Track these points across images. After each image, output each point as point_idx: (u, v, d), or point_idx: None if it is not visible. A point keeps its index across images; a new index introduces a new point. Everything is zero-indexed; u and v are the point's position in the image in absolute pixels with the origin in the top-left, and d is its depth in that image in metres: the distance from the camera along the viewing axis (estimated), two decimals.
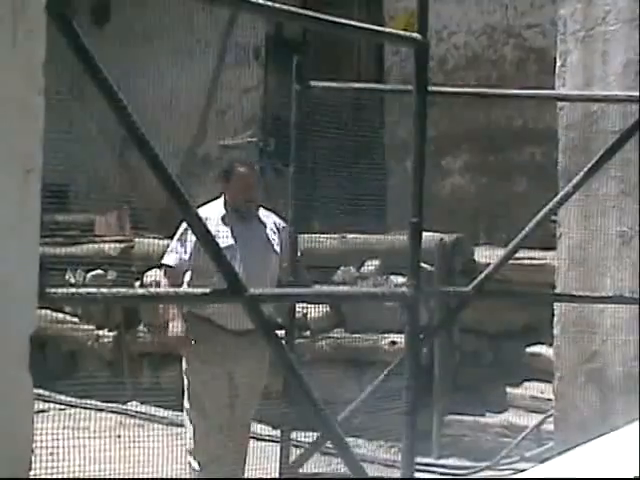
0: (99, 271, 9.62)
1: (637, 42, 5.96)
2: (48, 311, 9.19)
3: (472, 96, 7.03)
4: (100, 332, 9.60)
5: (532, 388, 7.81)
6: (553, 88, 6.42)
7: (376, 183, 8.61)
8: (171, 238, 6.12)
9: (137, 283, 9.11)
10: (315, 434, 5.12)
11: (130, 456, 6.70)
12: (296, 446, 5.81)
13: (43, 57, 1.79)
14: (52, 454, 6.06)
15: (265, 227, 6.12)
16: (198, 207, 5.78)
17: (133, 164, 9.91)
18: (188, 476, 6.02)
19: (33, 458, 1.83)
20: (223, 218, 6.01)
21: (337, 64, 10.62)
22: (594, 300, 5.99)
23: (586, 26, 6.25)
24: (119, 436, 7.61)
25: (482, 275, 4.73)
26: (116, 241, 9.82)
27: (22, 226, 1.77)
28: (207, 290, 3.15)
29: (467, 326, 7.99)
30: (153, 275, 8.76)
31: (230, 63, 11.54)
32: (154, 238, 9.20)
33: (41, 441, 5.76)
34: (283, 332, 5.75)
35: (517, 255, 5.18)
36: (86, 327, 9.69)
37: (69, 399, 9.08)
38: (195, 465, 5.91)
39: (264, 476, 6.57)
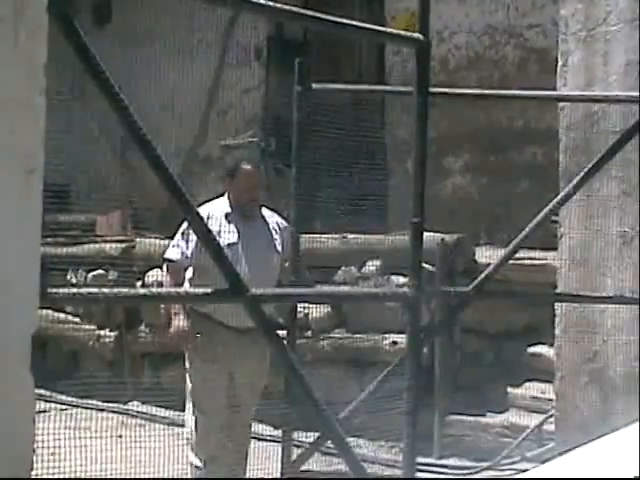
0: (100, 271, 9.62)
1: (638, 42, 5.96)
2: (49, 311, 9.20)
3: (473, 97, 7.04)
4: (101, 332, 9.60)
5: (533, 388, 7.81)
6: (554, 88, 6.42)
7: (377, 183, 8.61)
8: (172, 238, 6.13)
9: (138, 283, 9.11)
10: (317, 434, 5.12)
11: (131, 456, 6.70)
12: (297, 446, 5.82)
13: (45, 57, 1.79)
14: (53, 454, 6.06)
15: (268, 226, 6.13)
16: (200, 205, 5.81)
17: (134, 164, 9.91)
18: (189, 476, 6.03)
19: (34, 458, 1.84)
20: (227, 216, 6.02)
21: (338, 64, 10.63)
22: (595, 300, 5.99)
23: (587, 26, 6.25)
24: (120, 436, 7.61)
25: (482, 275, 4.73)
26: (117, 241, 9.82)
27: (23, 226, 1.77)
28: (208, 290, 3.15)
29: (468, 326, 7.99)
30: (154, 275, 8.77)
31: (231, 63, 11.54)
32: (155, 238, 9.20)
33: (42, 441, 5.75)
34: (284, 332, 5.75)
35: (518, 255, 5.19)
36: (87, 327, 9.69)
37: (70, 399, 9.07)
38: (197, 462, 5.91)
39: (266, 476, 6.57)
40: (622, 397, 5.95)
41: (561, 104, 6.40)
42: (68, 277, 9.67)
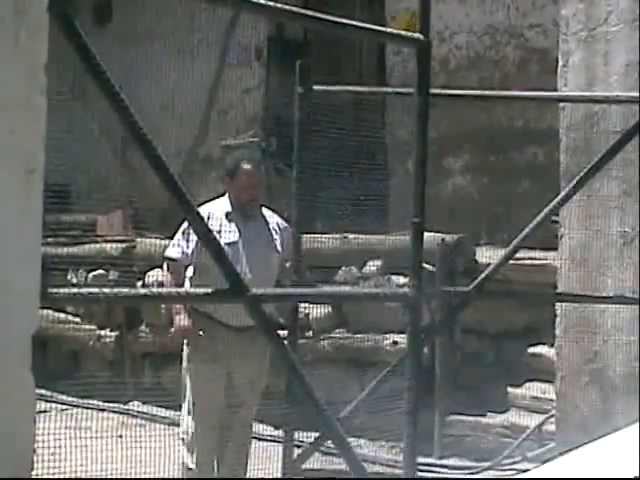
0: (101, 271, 9.62)
1: (638, 43, 5.96)
2: (50, 311, 9.20)
3: (474, 98, 7.04)
4: (102, 332, 9.60)
5: (533, 388, 7.80)
6: (555, 88, 6.42)
7: (378, 183, 8.61)
8: (172, 238, 6.13)
9: (139, 283, 9.11)
10: (317, 434, 5.12)
11: (132, 456, 6.70)
12: (298, 446, 5.81)
13: (45, 57, 1.79)
14: (54, 454, 6.05)
15: (268, 226, 6.14)
16: (201, 205, 5.81)
17: (135, 164, 9.91)
18: (181, 475, 6.03)
19: (35, 458, 1.84)
20: (227, 215, 6.03)
21: (338, 64, 10.64)
22: (595, 300, 5.99)
23: (588, 26, 6.25)
24: (121, 436, 7.61)
25: (483, 275, 4.73)
26: (118, 241, 9.82)
27: (24, 226, 1.77)
28: (209, 290, 3.15)
29: (468, 326, 7.99)
30: (155, 275, 8.77)
31: (232, 63, 11.54)
32: (156, 238, 9.20)
33: (43, 441, 5.75)
34: (285, 332, 5.75)
35: (518, 255, 5.19)
36: (88, 327, 9.70)
37: (71, 399, 9.08)
38: (190, 464, 5.91)
39: (266, 476, 6.57)
40: (622, 397, 5.95)
41: (562, 104, 6.40)
42: (69, 277, 9.67)
